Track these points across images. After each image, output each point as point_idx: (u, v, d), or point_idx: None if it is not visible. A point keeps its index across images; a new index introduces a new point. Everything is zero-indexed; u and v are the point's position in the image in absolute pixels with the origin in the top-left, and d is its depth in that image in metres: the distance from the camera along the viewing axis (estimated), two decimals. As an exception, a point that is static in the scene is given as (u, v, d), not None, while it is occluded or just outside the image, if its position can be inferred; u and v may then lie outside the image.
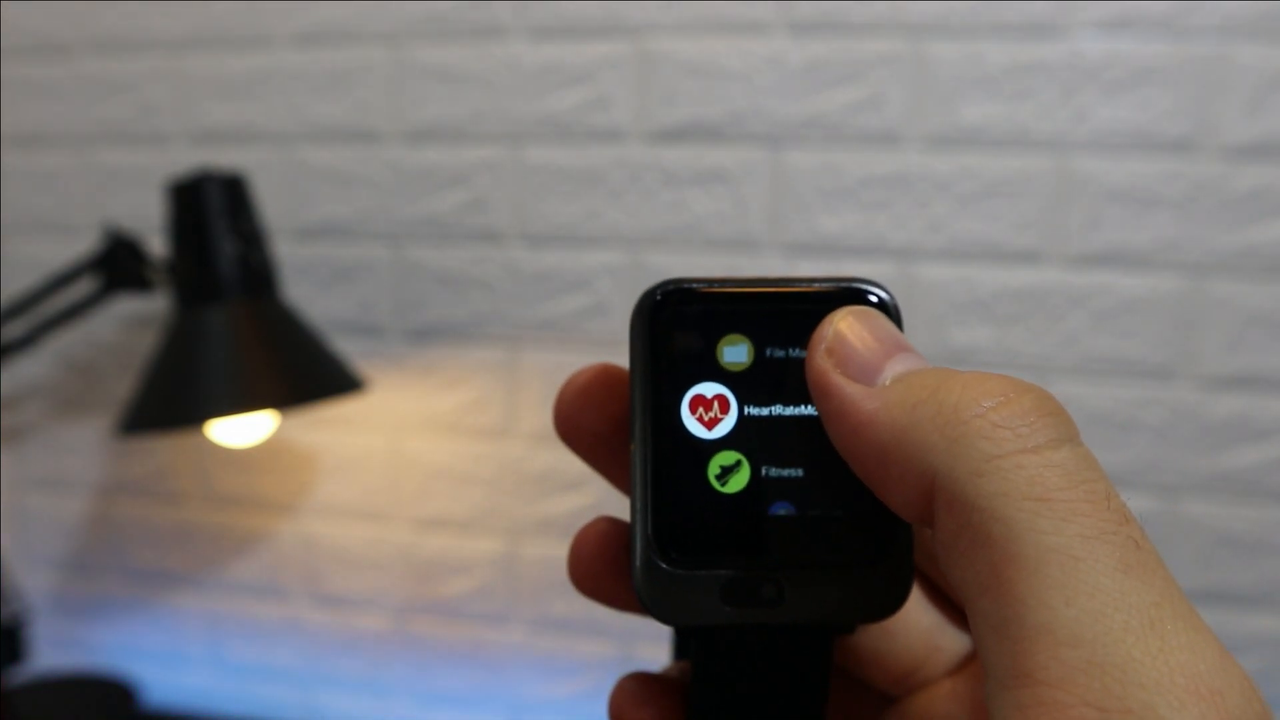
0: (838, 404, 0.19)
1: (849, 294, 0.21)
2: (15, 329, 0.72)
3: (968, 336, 0.69)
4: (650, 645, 0.77)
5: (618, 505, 0.75)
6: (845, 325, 0.19)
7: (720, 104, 0.70)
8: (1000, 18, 0.66)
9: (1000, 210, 0.67)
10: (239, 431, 0.71)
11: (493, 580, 0.79)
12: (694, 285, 0.21)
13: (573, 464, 0.75)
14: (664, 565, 0.20)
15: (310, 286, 0.79)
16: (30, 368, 0.85)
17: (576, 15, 0.71)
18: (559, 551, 0.77)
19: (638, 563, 0.20)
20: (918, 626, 0.22)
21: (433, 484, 0.79)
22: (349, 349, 0.78)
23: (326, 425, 0.80)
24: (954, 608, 0.22)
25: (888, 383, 0.19)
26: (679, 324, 0.21)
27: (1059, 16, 0.65)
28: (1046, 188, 0.67)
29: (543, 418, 0.76)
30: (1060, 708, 0.15)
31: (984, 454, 0.17)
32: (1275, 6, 0.62)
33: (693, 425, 0.21)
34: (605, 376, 0.22)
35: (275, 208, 0.78)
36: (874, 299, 0.21)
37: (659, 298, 0.21)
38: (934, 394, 0.18)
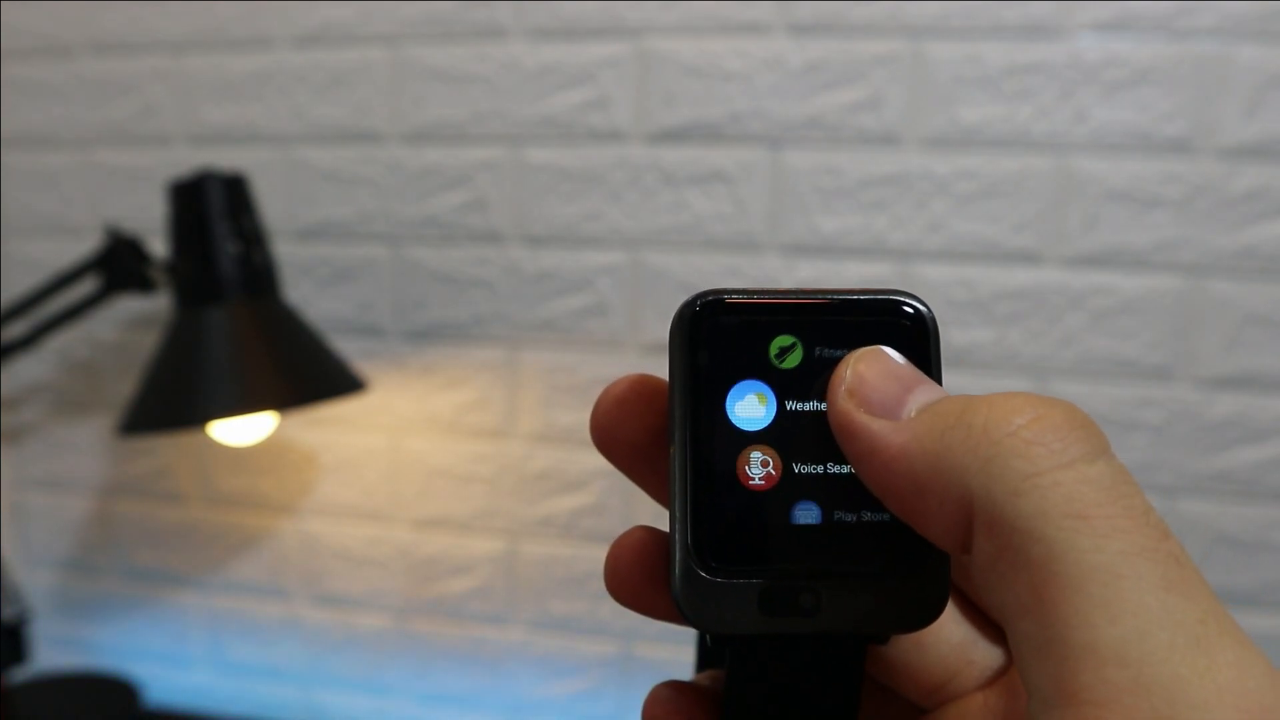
0: (867, 442, 0.19)
1: (888, 306, 0.21)
2: (16, 329, 0.72)
3: (967, 337, 0.69)
4: (650, 645, 0.77)
5: (617, 506, 0.76)
6: (863, 366, 0.20)
7: (720, 104, 0.70)
8: (999, 18, 0.66)
9: (999, 211, 0.68)
10: (239, 431, 0.71)
11: (493, 580, 0.79)
12: (732, 296, 0.21)
13: (573, 464, 0.76)
14: (703, 574, 0.20)
15: (310, 286, 0.79)
16: (31, 368, 0.85)
17: (576, 15, 0.72)
18: (559, 551, 0.77)
19: (677, 571, 0.20)
20: (951, 639, 0.22)
21: (433, 484, 0.79)
22: (349, 349, 0.78)
23: (327, 425, 0.80)
24: (988, 622, 0.22)
25: (912, 414, 0.19)
26: (718, 335, 0.21)
27: (1058, 17, 0.65)
28: (1045, 188, 0.67)
29: (543, 418, 0.76)
30: None
31: (1020, 473, 0.16)
32: (1274, 7, 0.63)
33: (731, 437, 0.21)
34: (641, 387, 0.22)
35: (276, 208, 0.78)
36: (910, 310, 0.21)
37: (698, 308, 0.21)
38: (961, 418, 0.18)
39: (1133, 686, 0.15)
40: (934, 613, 0.20)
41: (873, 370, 0.19)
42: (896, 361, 0.20)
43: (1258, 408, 0.66)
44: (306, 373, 0.65)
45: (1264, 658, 0.15)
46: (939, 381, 0.21)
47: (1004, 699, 0.21)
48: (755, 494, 0.21)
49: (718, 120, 0.71)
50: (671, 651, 0.76)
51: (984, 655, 0.22)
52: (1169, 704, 0.14)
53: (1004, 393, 0.18)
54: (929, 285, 0.69)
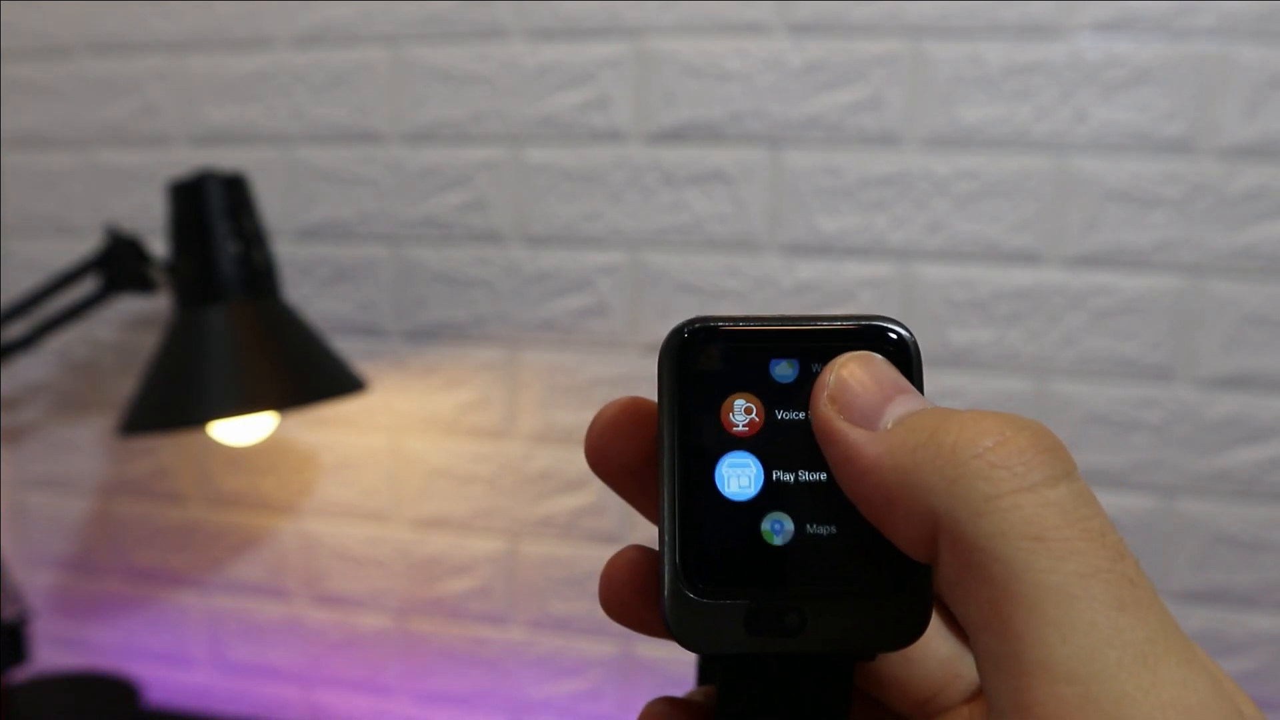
0: (842, 450, 0.19)
1: (872, 332, 0.21)
2: (16, 329, 0.72)
3: (967, 337, 0.69)
4: (650, 645, 0.77)
5: (617, 506, 0.76)
6: (846, 371, 0.20)
7: (720, 104, 0.70)
8: (999, 18, 0.66)
9: (999, 210, 0.68)
10: (240, 431, 0.71)
11: (493, 580, 0.79)
12: (721, 324, 0.22)
13: (573, 464, 0.76)
14: (690, 595, 0.21)
15: (310, 286, 0.79)
16: (31, 368, 0.85)
17: (576, 15, 0.72)
18: (559, 551, 0.77)
19: (665, 592, 0.21)
20: (937, 654, 0.22)
21: (433, 484, 0.79)
22: (349, 349, 0.78)
23: (327, 425, 0.80)
24: None
25: (889, 426, 0.19)
26: (706, 362, 0.22)
27: (1057, 17, 0.65)
28: (1045, 188, 0.67)
29: (543, 418, 0.76)
30: None
31: (983, 494, 0.17)
32: (1274, 7, 0.63)
33: (719, 463, 0.21)
34: (634, 409, 0.22)
35: (276, 208, 0.78)
36: (894, 336, 0.21)
37: (686, 335, 0.22)
38: (932, 436, 0.18)
39: (1081, 702, 0.15)
40: (916, 632, 0.21)
41: (855, 376, 0.20)
42: (879, 368, 0.20)
43: (1258, 408, 0.66)
44: (306, 373, 0.65)
45: (1210, 675, 0.16)
46: None
47: (989, 712, 0.21)
48: (742, 517, 0.21)
49: (718, 120, 0.71)
50: (671, 651, 0.76)
51: (970, 670, 0.22)
52: (1114, 719, 0.15)
53: (977, 412, 0.18)
54: (929, 285, 0.69)
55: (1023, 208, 0.67)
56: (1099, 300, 0.67)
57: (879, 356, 0.21)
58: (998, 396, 0.69)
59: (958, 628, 0.23)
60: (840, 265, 0.70)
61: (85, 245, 0.80)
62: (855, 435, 0.19)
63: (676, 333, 0.22)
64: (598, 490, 0.76)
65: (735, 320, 0.22)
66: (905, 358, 0.21)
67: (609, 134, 0.72)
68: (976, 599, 0.17)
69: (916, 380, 0.21)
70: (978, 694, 0.22)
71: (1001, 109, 0.67)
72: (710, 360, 0.21)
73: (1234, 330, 0.66)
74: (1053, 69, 0.65)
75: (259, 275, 0.66)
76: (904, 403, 0.20)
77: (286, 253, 0.78)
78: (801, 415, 0.21)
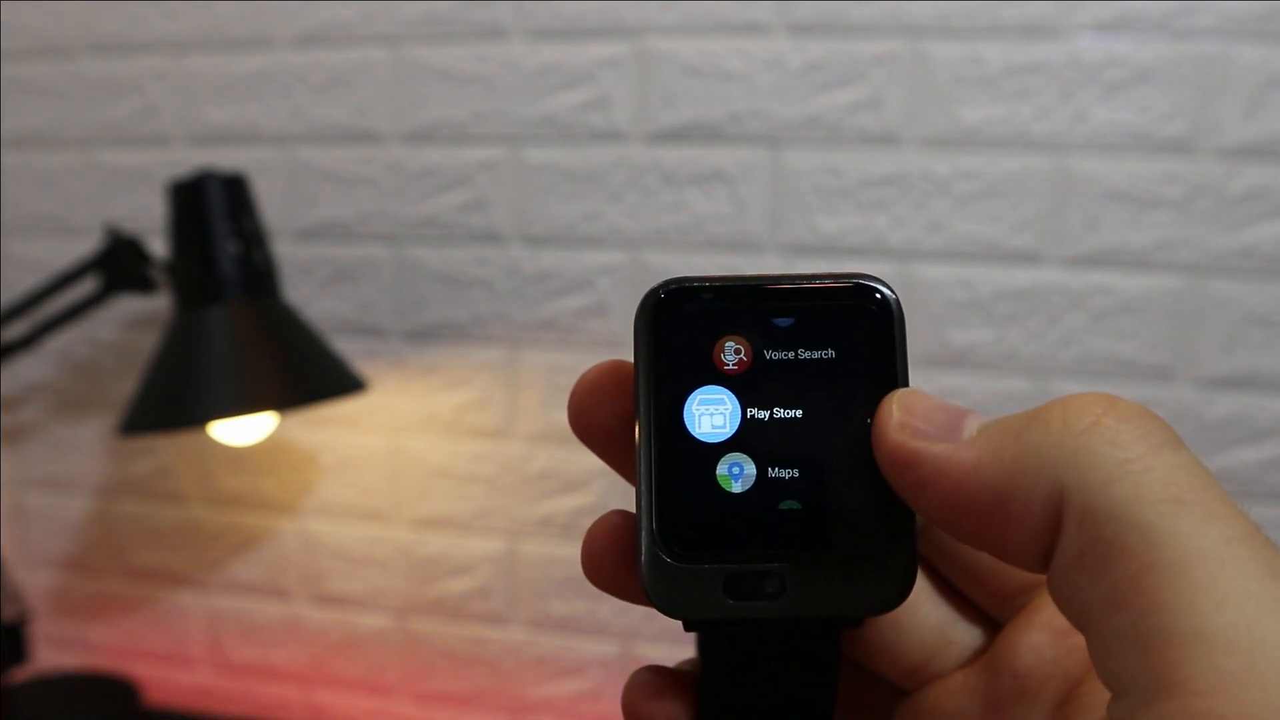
0: (932, 467, 0.18)
1: (853, 291, 0.21)
2: (16, 329, 0.72)
3: (966, 337, 0.69)
4: (650, 644, 0.77)
5: (617, 505, 0.76)
6: (905, 402, 0.19)
7: (720, 105, 0.70)
8: (999, 18, 0.66)
9: (999, 210, 0.68)
10: (240, 431, 0.71)
11: (493, 580, 0.79)
12: (697, 283, 0.21)
13: (573, 464, 0.76)
14: (668, 560, 0.20)
15: (310, 286, 0.79)
16: (31, 368, 0.85)
17: (576, 15, 0.72)
18: (559, 551, 0.77)
19: (643, 557, 0.21)
20: (928, 621, 0.22)
21: (433, 484, 0.79)
22: (349, 349, 0.78)
23: (327, 425, 0.80)
24: (965, 601, 0.22)
25: (974, 433, 0.18)
26: (682, 322, 0.21)
27: (1057, 17, 0.65)
28: (1045, 188, 0.67)
29: (543, 418, 0.76)
30: None
31: (1112, 459, 0.16)
32: (1274, 7, 0.63)
33: (696, 422, 0.21)
34: (615, 372, 0.22)
35: (276, 208, 0.78)
36: (879, 295, 0.21)
37: (662, 296, 0.21)
38: (1035, 420, 0.17)
39: (1245, 676, 0.14)
40: (901, 595, 0.20)
41: (920, 404, 0.19)
42: (936, 396, 0.20)
43: (1258, 408, 0.66)
44: (306, 373, 0.65)
45: None
46: (905, 368, 0.21)
47: (984, 677, 0.21)
48: (720, 481, 0.21)
49: (718, 120, 0.71)
50: (671, 651, 0.76)
51: (963, 635, 0.22)
52: None
53: (1066, 395, 0.18)
54: (929, 285, 0.69)
55: (1023, 208, 0.67)
56: (1099, 300, 0.67)
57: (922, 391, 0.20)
58: (998, 396, 0.69)
59: (949, 593, 0.22)
60: (840, 265, 0.70)
61: (85, 245, 0.80)
62: (942, 448, 0.18)
63: (653, 293, 0.21)
64: (598, 490, 0.76)
65: (712, 280, 0.21)
66: (888, 317, 0.21)
67: (609, 134, 0.72)
68: (1109, 575, 0.16)
69: (899, 339, 0.21)
70: (971, 660, 0.22)
71: (1001, 109, 0.66)
72: (688, 321, 0.21)
73: (1234, 330, 0.66)
74: (1053, 69, 0.65)
75: (259, 275, 0.66)
76: (977, 416, 0.19)
77: (286, 253, 0.77)
78: (781, 379, 0.21)
